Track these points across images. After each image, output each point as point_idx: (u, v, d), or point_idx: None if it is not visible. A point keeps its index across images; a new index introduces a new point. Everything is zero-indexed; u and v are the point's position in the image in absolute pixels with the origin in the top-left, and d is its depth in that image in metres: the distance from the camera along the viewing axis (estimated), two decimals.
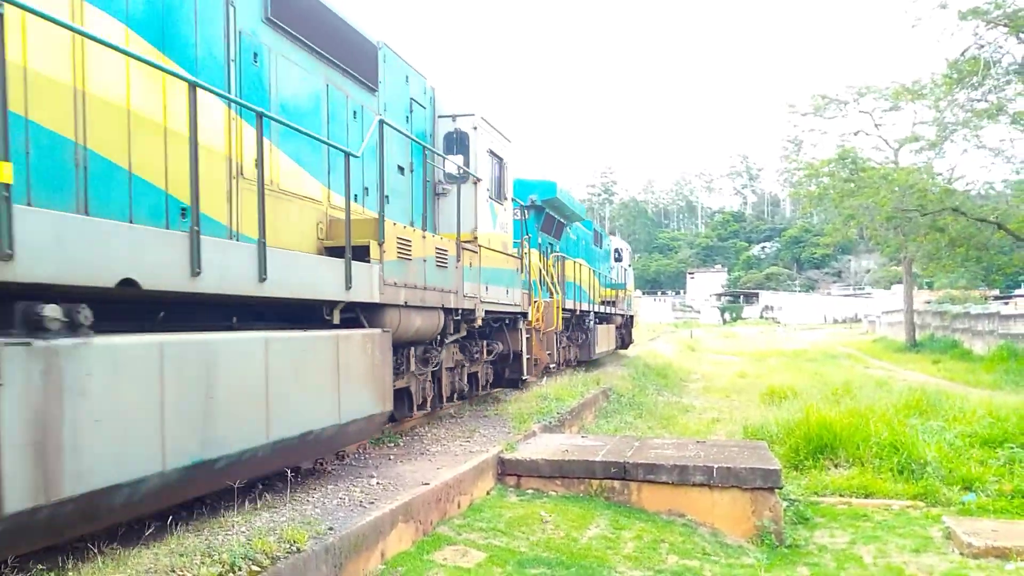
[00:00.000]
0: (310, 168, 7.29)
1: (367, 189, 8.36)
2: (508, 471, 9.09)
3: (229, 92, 6.02)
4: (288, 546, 5.05)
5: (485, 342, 12.57)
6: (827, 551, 8.54)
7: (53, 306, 3.99)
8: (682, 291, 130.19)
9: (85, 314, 4.15)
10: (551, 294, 16.26)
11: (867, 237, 41.93)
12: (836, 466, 11.53)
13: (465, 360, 11.60)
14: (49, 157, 4.43)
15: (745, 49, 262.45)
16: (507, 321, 13.13)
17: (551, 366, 16.91)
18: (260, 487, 6.72)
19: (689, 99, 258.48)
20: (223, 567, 4.50)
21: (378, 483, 7.19)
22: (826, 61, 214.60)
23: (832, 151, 36.40)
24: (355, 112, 8.24)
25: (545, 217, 17.50)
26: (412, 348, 9.35)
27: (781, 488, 8.88)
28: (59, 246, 3.98)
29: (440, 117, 10.79)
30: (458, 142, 10.75)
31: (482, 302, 10.92)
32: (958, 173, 33.33)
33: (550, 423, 11.75)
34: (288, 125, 6.32)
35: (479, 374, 12.52)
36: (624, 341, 29.01)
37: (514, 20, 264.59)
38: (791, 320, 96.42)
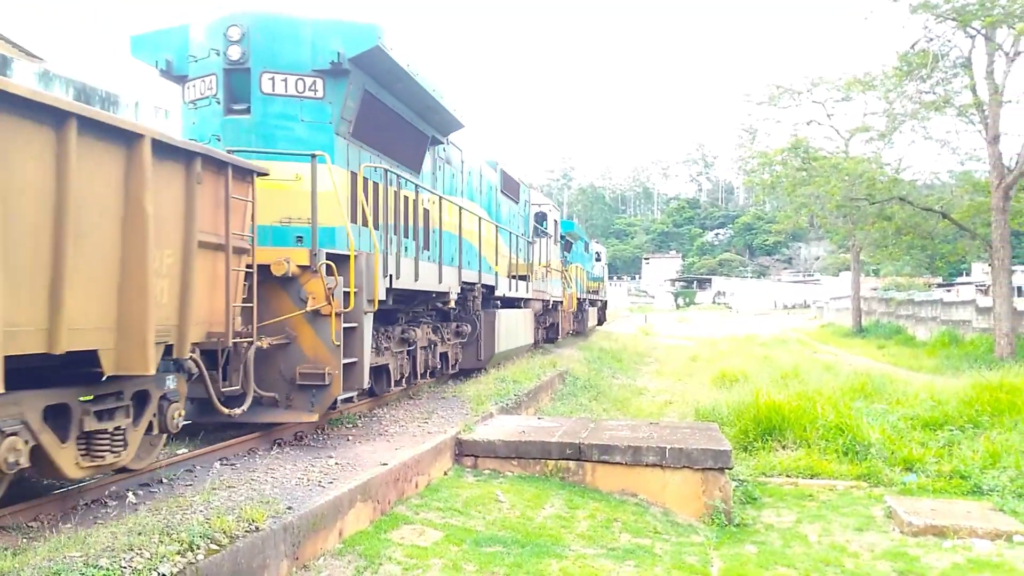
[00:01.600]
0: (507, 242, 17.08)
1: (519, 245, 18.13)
2: (466, 452, 9.15)
3: (492, 219, 15.51)
4: (247, 525, 5.05)
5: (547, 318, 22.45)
6: (774, 530, 8.76)
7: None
8: (638, 276, 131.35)
9: (498, 303, 15.81)
10: (565, 289, 24.61)
11: (817, 225, 42.65)
12: (784, 447, 11.80)
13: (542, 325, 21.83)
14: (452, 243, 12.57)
15: (704, 37, 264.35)
16: (552, 306, 22.41)
17: (568, 332, 26.26)
18: (218, 465, 6.70)
19: (647, 86, 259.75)
20: (181, 545, 4.49)
21: (337, 463, 7.20)
22: (783, 51, 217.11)
23: (785, 140, 36.90)
24: (515, 214, 18.14)
25: (564, 242, 26.22)
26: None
27: (731, 469, 9.08)
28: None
29: (533, 204, 20.50)
30: (541, 217, 21.65)
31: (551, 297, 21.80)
32: (906, 163, 34.09)
33: (507, 405, 11.83)
34: (505, 229, 16.61)
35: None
36: (600, 319, 38.99)
37: (479, 6, 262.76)
38: (743, 306, 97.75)
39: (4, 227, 4.23)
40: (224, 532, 4.84)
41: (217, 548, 4.68)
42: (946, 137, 30.85)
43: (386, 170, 9.59)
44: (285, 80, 8.41)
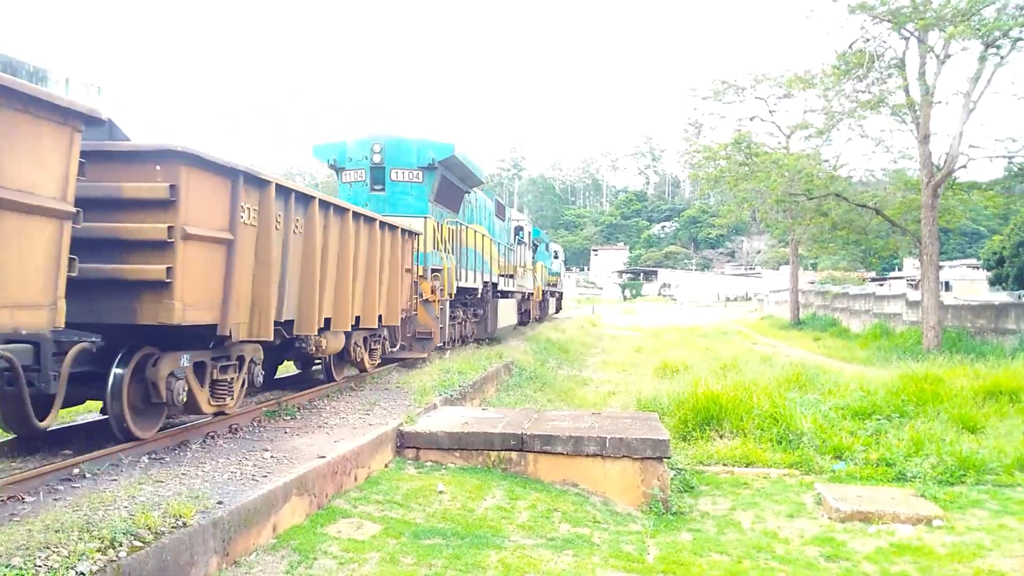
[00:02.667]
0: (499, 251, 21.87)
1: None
2: (407, 444, 9.02)
3: (490, 235, 20.14)
4: (174, 520, 4.87)
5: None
6: (709, 517, 8.82)
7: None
8: (586, 267, 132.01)
9: (498, 294, 21.21)
10: (534, 283, 29.83)
11: (759, 219, 43.29)
12: (721, 436, 11.91)
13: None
14: (475, 256, 18.23)
15: (655, 30, 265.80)
16: (526, 296, 27.99)
17: (535, 317, 31.79)
18: (147, 460, 6.48)
19: (598, 78, 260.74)
20: (102, 543, 4.30)
21: (272, 456, 7.02)
22: (732, 44, 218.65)
23: (729, 135, 37.33)
24: (503, 229, 21.97)
25: (532, 245, 29.63)
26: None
27: (669, 458, 9.11)
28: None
29: (513, 220, 24.83)
30: (518, 229, 25.34)
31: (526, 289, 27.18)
32: (843, 160, 34.70)
33: (452, 396, 11.73)
34: (498, 242, 21.30)
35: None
36: (558, 307, 44.36)
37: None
38: (687, 297, 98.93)
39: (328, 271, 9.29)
40: (149, 528, 4.66)
41: (141, 545, 4.50)
42: (881, 136, 31.49)
43: (449, 220, 16.26)
44: (403, 173, 15.03)
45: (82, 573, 3.98)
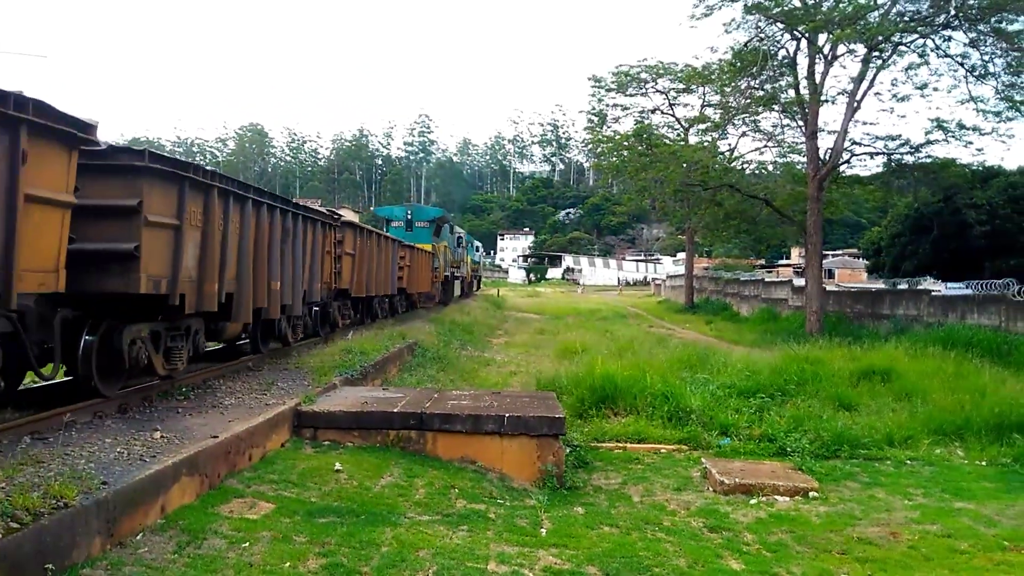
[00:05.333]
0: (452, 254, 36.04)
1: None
2: (305, 423, 8.86)
3: (449, 246, 34.86)
4: (55, 502, 4.65)
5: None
6: (602, 491, 9.00)
7: None
8: (492, 252, 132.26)
9: (451, 277, 37.44)
10: (466, 270, 41.73)
11: (658, 208, 44.17)
12: (616, 414, 12.17)
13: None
14: (443, 260, 33.10)
15: (566, 15, 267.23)
16: (462, 279, 40.60)
17: (466, 293, 43.32)
18: (28, 439, 6.16)
19: (507, 64, 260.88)
20: None
21: (163, 437, 6.77)
22: (641, 35, 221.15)
23: (631, 127, 37.91)
24: (452, 240, 35.87)
25: (460, 245, 39.50)
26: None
27: (564, 435, 9.25)
28: None
29: (456, 233, 38.08)
30: (460, 238, 39.06)
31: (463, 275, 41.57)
32: (737, 153, 35.68)
33: (352, 376, 11.57)
34: (451, 249, 35.41)
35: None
36: (478, 287, 54.67)
37: None
38: (589, 282, 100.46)
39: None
40: (27, 509, 4.44)
41: (18, 526, 4.29)
42: (772, 131, 32.58)
43: (436, 243, 30.72)
44: (421, 223, 30.67)
45: None
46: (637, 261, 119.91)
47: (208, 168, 8.81)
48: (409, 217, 31.14)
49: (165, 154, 7.93)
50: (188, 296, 8.32)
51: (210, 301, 8.76)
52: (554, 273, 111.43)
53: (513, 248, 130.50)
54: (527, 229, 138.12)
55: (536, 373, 15.39)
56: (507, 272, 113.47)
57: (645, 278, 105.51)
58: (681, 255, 73.88)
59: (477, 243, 55.85)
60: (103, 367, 7.77)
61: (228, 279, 9.37)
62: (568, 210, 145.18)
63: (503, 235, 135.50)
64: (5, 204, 5.49)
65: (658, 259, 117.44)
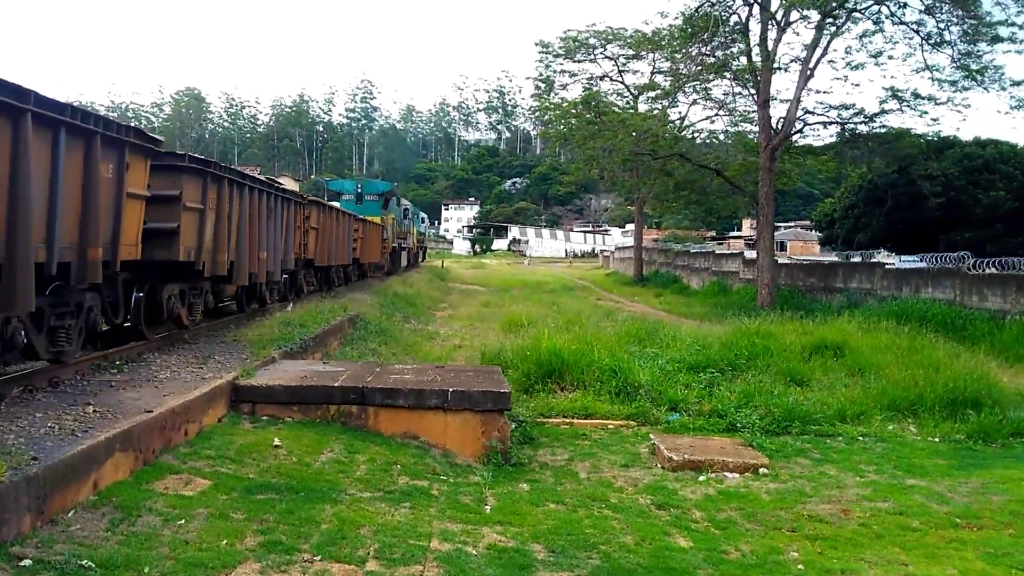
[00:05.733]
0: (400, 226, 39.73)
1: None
2: (243, 398, 8.86)
3: (397, 219, 38.13)
4: None
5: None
6: (548, 468, 9.20)
7: None
8: (437, 222, 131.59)
9: (398, 248, 41.30)
10: (406, 240, 41.69)
11: (606, 178, 44.52)
12: (563, 389, 12.38)
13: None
14: (392, 232, 36.68)
15: None
16: (407, 250, 42.41)
17: (411, 263, 44.48)
18: None
19: (452, 26, 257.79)
20: None
21: (95, 411, 6.73)
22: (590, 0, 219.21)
23: (580, 94, 38.05)
24: (400, 212, 39.20)
25: (407, 217, 42.10)
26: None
27: (509, 410, 9.41)
28: None
29: (402, 205, 40.75)
30: (406, 210, 41.70)
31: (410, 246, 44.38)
32: (687, 122, 36.09)
33: (292, 349, 11.56)
34: (399, 221, 38.91)
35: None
36: (423, 258, 56.82)
37: None
38: (536, 253, 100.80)
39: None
40: None
41: None
42: (723, 99, 33.04)
43: (385, 216, 33.72)
44: (371, 196, 34.24)
45: None
46: (585, 232, 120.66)
47: (221, 163, 11.68)
48: (359, 191, 34.72)
49: (196, 155, 10.84)
50: (207, 263, 11.11)
51: (221, 268, 11.59)
52: (500, 244, 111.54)
53: (458, 219, 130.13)
54: (472, 199, 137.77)
55: (481, 347, 15.52)
56: (452, 243, 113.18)
57: (593, 250, 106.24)
58: (630, 226, 74.64)
59: (423, 214, 58.94)
60: (147, 318, 10.48)
61: (232, 250, 12.13)
62: (515, 180, 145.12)
63: (448, 205, 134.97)
64: (114, 200, 8.31)
65: (607, 230, 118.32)
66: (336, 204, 26.21)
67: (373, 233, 29.90)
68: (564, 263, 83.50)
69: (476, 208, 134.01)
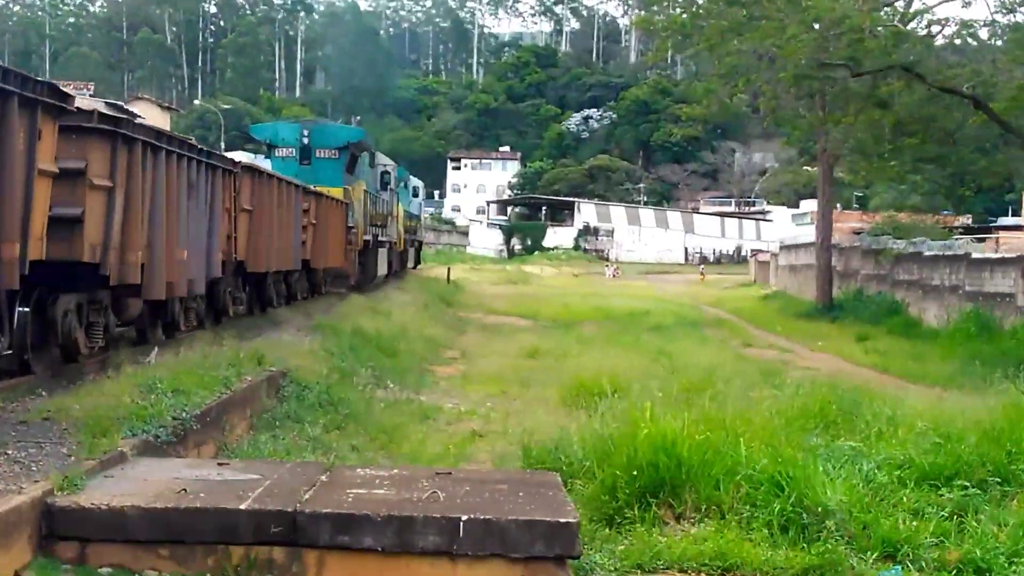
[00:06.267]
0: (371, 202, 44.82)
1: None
2: (64, 532, 8.82)
3: (368, 187, 43.73)
4: None
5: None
6: None
7: None
8: (439, 193, 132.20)
9: (375, 242, 46.92)
10: (386, 228, 47.26)
11: (763, 112, 44.09)
12: (680, 517, 12.19)
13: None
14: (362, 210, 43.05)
15: None
16: (390, 247, 49.23)
17: (394, 271, 51.35)
18: None
19: None
20: None
21: None
22: None
23: None
24: (373, 177, 44.93)
25: (387, 187, 46.89)
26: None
27: (577, 558, 9.27)
28: None
29: (381, 160, 48.28)
30: (385, 173, 47.38)
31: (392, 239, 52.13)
32: (920, 3, 35.60)
33: (159, 437, 11.56)
34: (371, 194, 44.10)
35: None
36: (416, 260, 65.80)
37: None
38: (629, 254, 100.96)
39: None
40: None
41: None
42: None
43: (352, 185, 38.04)
44: (326, 152, 36.62)
45: None
46: (723, 216, 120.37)
47: (130, 118, 13.87)
48: (306, 141, 35.88)
49: (105, 111, 13.18)
50: (113, 266, 13.35)
51: (131, 272, 13.75)
52: (558, 238, 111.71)
53: (479, 186, 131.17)
54: (506, 149, 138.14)
55: (522, 434, 15.40)
56: (467, 234, 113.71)
57: (739, 249, 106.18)
58: (808, 204, 74.36)
59: (416, 181, 64.91)
60: (35, 342, 13.06)
61: (143, 247, 13.99)
62: (587, 112, 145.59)
63: (459, 161, 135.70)
64: (25, 178, 10.45)
65: (763, 211, 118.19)
66: (266, 165, 28.39)
67: (332, 216, 31.21)
68: (684, 273, 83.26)
69: (512, 168, 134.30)
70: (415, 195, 62.46)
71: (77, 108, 11.73)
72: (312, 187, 28.89)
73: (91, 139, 11.97)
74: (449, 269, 63.30)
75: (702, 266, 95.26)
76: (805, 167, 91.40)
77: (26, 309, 11.92)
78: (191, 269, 16.22)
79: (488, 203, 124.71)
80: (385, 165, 45.78)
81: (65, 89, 11.04)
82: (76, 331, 13.29)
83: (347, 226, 33.92)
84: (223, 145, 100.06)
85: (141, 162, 13.41)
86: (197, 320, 19.73)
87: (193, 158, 16.33)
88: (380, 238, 42.49)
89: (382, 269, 43.72)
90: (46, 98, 10.12)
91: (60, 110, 10.87)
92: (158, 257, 14.28)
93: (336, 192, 32.75)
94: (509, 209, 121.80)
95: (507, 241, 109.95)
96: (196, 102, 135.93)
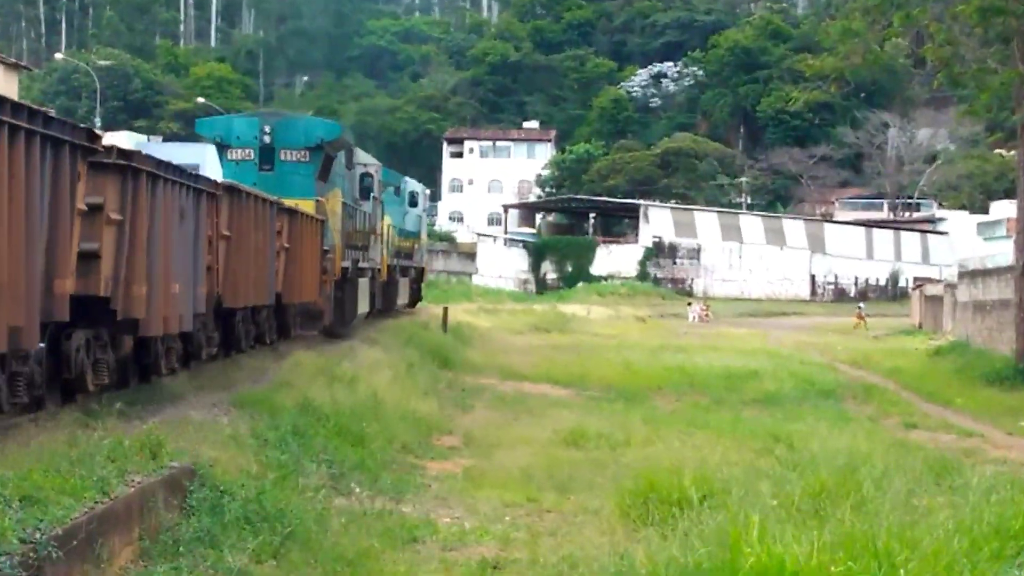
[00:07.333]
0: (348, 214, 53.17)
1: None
2: None
3: (343, 194, 51.76)
4: None
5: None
6: None
7: None
8: (434, 188, 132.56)
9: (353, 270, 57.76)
10: (369, 248, 55.68)
11: (929, 65, 44.20)
12: None
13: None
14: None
15: None
16: (372, 275, 59.39)
17: (362, 312, 53.45)
18: None
19: None
20: None
21: None
22: None
23: None
24: (351, 181, 53.39)
25: (370, 195, 54.62)
26: None
27: None
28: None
29: (358, 164, 55.62)
30: (366, 176, 55.42)
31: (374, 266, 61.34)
32: None
33: None
34: (346, 205, 52.28)
35: None
36: (415, 296, 74.38)
37: None
38: (726, 287, 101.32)
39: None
40: None
41: None
42: None
43: (327, 195, 45.81)
44: (293, 153, 43.49)
45: None
46: (869, 225, 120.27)
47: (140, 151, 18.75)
48: (267, 139, 41.63)
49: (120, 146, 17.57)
50: (121, 300, 17.84)
51: (137, 306, 18.25)
52: (615, 261, 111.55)
53: (491, 182, 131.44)
54: (532, 126, 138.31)
55: (561, 565, 15.41)
56: (473, 256, 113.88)
57: (894, 277, 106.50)
58: (1002, 208, 74.79)
59: (412, 185, 75.13)
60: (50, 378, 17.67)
61: (144, 279, 18.34)
62: (659, 68, 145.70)
63: (462, 143, 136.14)
64: (70, 217, 14.89)
65: (932, 218, 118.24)
66: (215, 169, 32.97)
67: (307, 238, 35.90)
68: (811, 314, 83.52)
69: (543, 153, 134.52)
70: (412, 204, 69.89)
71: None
72: (285, 204, 31.79)
73: (107, 174, 16.25)
74: (446, 310, 63.30)
75: (861, 304, 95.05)
76: (997, 151, 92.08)
77: (42, 344, 15.53)
78: (180, 304, 20.35)
79: (506, 208, 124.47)
80: (367, 166, 51.22)
81: (95, 131, 15.11)
82: (87, 366, 17.68)
83: (321, 249, 37.23)
84: (98, 121, 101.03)
85: (145, 193, 17.48)
86: (180, 361, 24.32)
87: (182, 183, 20.43)
88: (361, 264, 47.00)
89: (363, 307, 48.05)
90: (83, 142, 14.10)
91: (91, 151, 14.91)
92: (156, 291, 18.55)
93: (307, 205, 36.38)
94: (538, 217, 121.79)
95: (535, 267, 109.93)
96: (58, 56, 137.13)
